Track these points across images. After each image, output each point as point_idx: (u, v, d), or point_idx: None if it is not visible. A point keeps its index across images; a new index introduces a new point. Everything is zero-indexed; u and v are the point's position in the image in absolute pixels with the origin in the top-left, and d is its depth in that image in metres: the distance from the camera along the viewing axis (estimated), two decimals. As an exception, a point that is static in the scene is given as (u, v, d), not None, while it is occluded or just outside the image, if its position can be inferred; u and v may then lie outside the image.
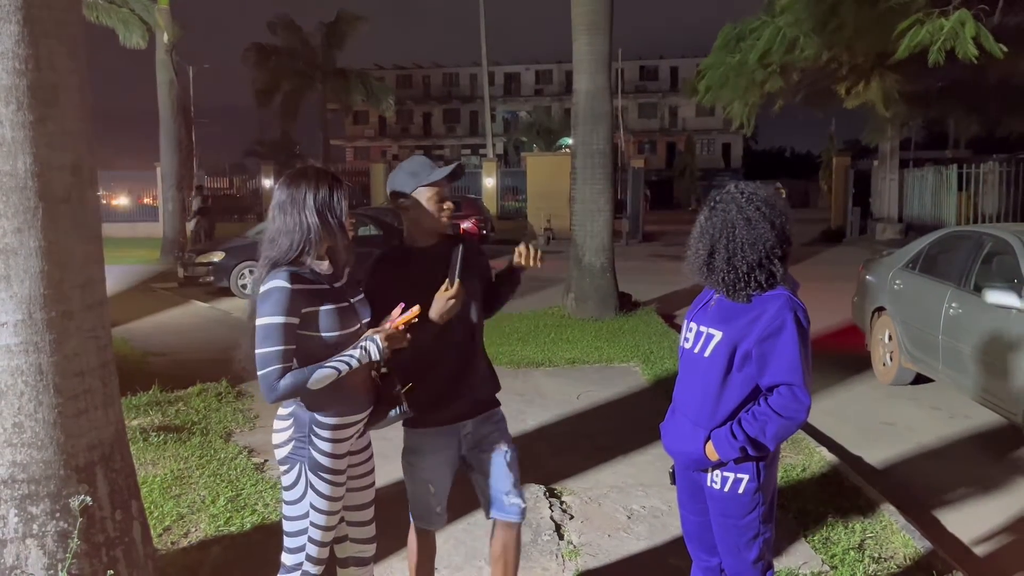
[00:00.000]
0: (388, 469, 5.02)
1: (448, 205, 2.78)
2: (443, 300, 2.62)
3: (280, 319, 2.35)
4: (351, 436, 2.61)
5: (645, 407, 6.22)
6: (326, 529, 2.60)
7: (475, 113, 62.62)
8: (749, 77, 12.90)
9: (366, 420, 2.65)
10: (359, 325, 2.56)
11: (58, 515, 2.66)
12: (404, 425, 2.86)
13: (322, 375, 2.38)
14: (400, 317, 2.51)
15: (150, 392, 6.54)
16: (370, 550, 2.84)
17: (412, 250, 2.83)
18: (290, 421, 2.54)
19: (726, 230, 2.47)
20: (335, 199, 2.50)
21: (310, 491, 2.54)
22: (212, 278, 13.94)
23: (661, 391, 6.62)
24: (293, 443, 2.53)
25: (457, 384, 2.81)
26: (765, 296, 2.46)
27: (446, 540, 3.98)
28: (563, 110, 52.92)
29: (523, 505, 2.96)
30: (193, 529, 4.08)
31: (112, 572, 2.74)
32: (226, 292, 13.74)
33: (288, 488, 2.57)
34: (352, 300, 2.58)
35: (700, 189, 47.04)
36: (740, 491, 2.51)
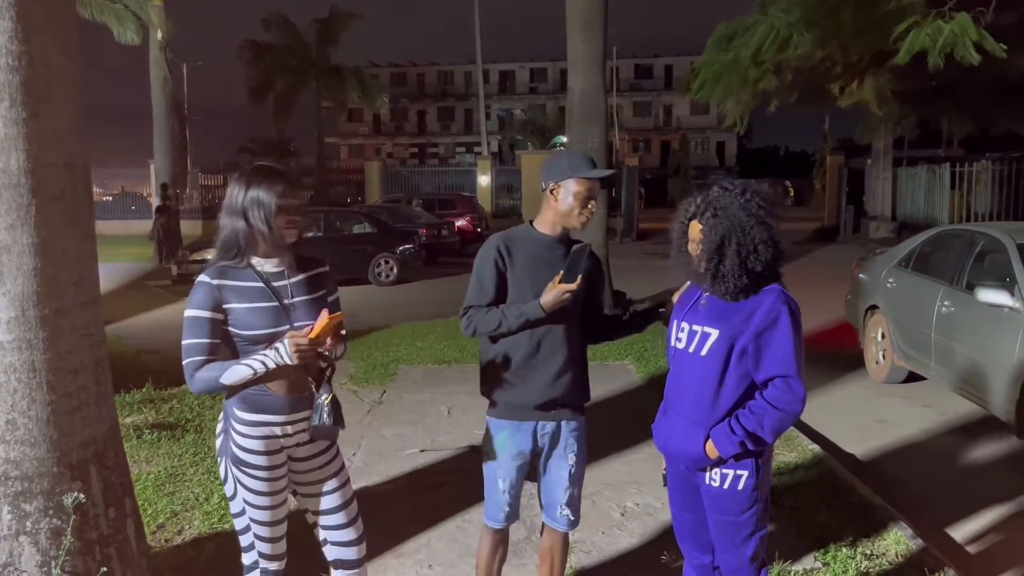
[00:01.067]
0: (382, 466, 5.04)
1: (592, 206, 2.77)
2: (559, 292, 2.61)
3: (200, 313, 2.42)
4: (278, 436, 2.53)
5: (639, 405, 6.23)
6: (266, 524, 2.57)
7: (470, 111, 62.58)
8: (742, 75, 12.89)
9: (308, 428, 2.55)
10: (288, 326, 2.47)
11: (51, 512, 2.65)
12: (487, 415, 2.88)
13: (236, 372, 2.39)
14: (314, 327, 2.39)
15: (143, 389, 6.54)
16: (354, 552, 2.75)
17: (535, 234, 2.83)
18: (224, 413, 2.58)
19: (736, 234, 2.43)
20: (262, 200, 2.43)
21: (238, 486, 2.53)
22: (206, 276, 13.90)
23: (655, 389, 6.63)
24: (223, 436, 2.56)
25: (542, 381, 2.78)
26: (759, 291, 2.48)
27: (440, 538, 3.99)
28: (558, 108, 52.95)
29: (573, 518, 2.98)
30: (187, 527, 4.07)
31: (105, 570, 2.74)
32: (220, 290, 13.70)
33: (224, 482, 2.60)
34: (288, 300, 2.51)
35: (694, 187, 47.15)
36: (739, 488, 2.52)
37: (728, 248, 2.43)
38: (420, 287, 14.73)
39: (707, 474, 2.57)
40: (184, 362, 2.42)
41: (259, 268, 2.50)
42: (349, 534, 2.73)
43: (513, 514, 2.93)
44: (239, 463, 2.51)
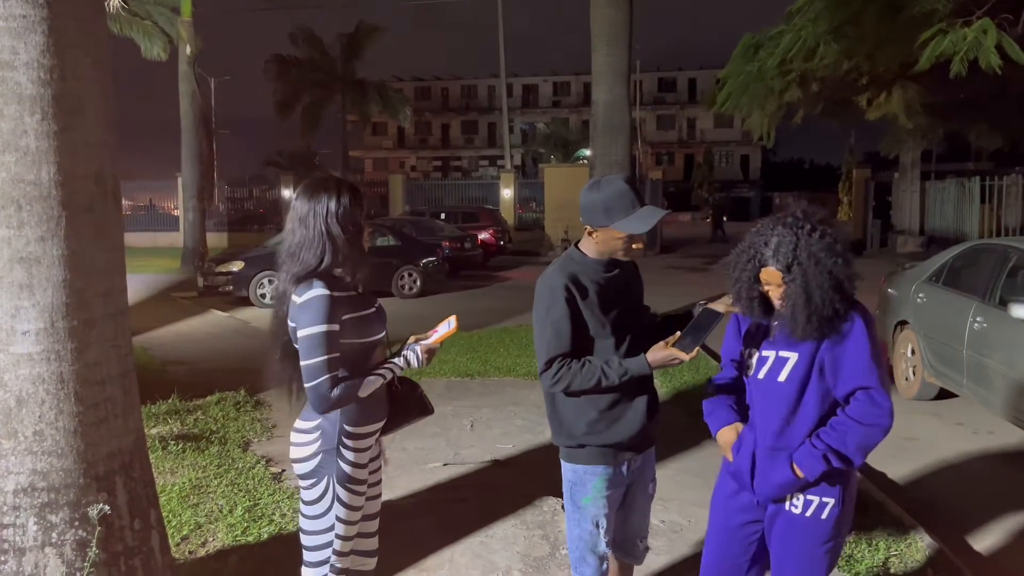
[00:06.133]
0: (405, 480, 5.02)
1: (637, 245, 2.57)
2: (669, 355, 2.46)
3: (323, 327, 2.34)
4: (372, 445, 2.62)
5: (663, 420, 6.16)
6: (347, 539, 2.59)
7: (493, 124, 62.86)
8: (768, 85, 12.84)
9: (383, 427, 2.66)
10: (384, 332, 2.60)
11: (77, 524, 2.65)
12: (569, 461, 2.69)
13: (372, 383, 2.44)
14: (440, 333, 2.56)
15: (169, 401, 6.57)
16: (371, 563, 2.79)
17: (588, 260, 2.62)
18: (316, 434, 2.50)
19: (825, 280, 2.28)
20: (355, 208, 2.49)
21: (336, 504, 2.50)
22: (231, 288, 14.04)
23: (679, 403, 6.56)
24: (320, 456, 2.49)
25: (635, 418, 2.65)
26: None
27: (463, 553, 3.95)
28: (581, 122, 53.03)
29: (649, 548, 2.86)
30: (211, 539, 4.07)
31: (130, 581, 2.74)
32: (245, 302, 13.83)
33: (312, 503, 2.53)
34: (375, 307, 2.60)
35: (717, 200, 46.97)
36: (823, 516, 2.37)
37: (814, 299, 2.27)
38: (443, 300, 14.74)
39: (787, 501, 2.41)
40: (314, 382, 2.32)
41: (352, 278, 2.51)
42: (373, 543, 2.79)
43: (607, 562, 2.74)
44: (348, 480, 2.49)
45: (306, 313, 2.34)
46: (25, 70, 2.50)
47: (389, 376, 2.48)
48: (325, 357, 2.32)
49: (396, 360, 2.50)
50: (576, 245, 2.68)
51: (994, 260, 6.40)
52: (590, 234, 2.59)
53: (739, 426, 2.54)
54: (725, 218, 35.20)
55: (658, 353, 2.48)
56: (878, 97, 15.38)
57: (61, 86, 2.57)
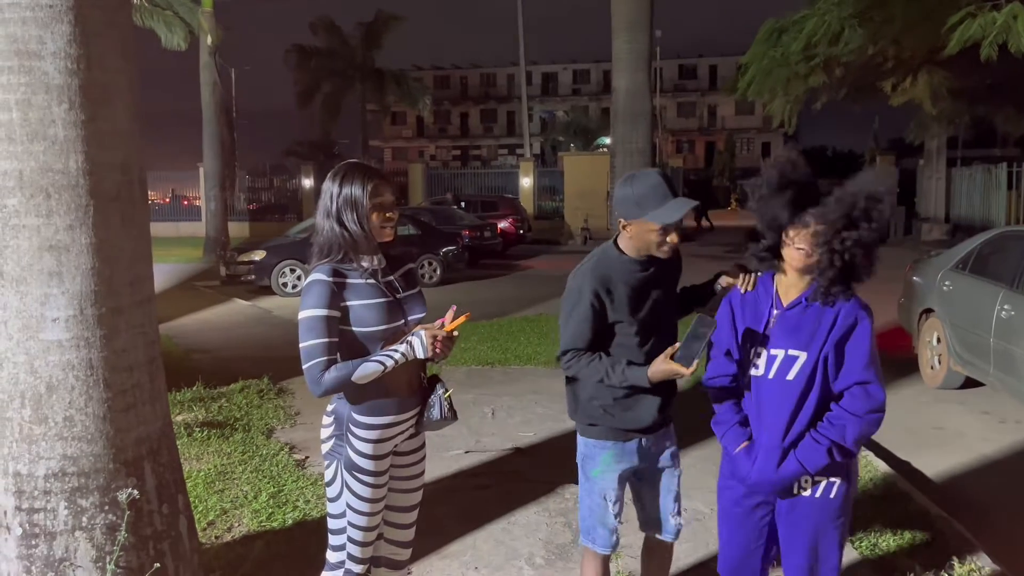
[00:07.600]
0: (428, 468, 5.03)
1: (672, 238, 2.55)
2: (669, 371, 2.46)
3: (321, 312, 2.37)
4: (393, 437, 2.58)
5: (686, 409, 6.14)
6: (365, 529, 2.58)
7: (512, 113, 62.67)
8: (791, 70, 12.70)
9: (415, 422, 2.63)
10: (403, 321, 2.53)
11: (107, 508, 2.69)
12: (583, 435, 2.75)
13: (368, 369, 2.38)
14: (451, 322, 2.49)
15: (194, 388, 6.64)
16: (405, 554, 2.80)
17: (624, 259, 2.62)
18: (332, 418, 2.56)
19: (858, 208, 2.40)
20: (356, 200, 2.43)
21: (345, 490, 2.53)
22: (253, 276, 14.15)
23: (701, 392, 6.52)
24: (333, 440, 2.54)
25: (653, 404, 2.69)
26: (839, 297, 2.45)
27: (486, 540, 3.97)
28: (600, 109, 52.77)
29: (682, 524, 2.89)
30: (236, 524, 4.12)
31: (159, 565, 2.78)
32: (267, 290, 13.93)
33: (328, 484, 2.59)
34: (399, 295, 2.55)
35: (740, 189, 46.52)
36: (832, 495, 2.49)
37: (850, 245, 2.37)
38: (463, 288, 14.76)
39: (795, 486, 2.51)
40: (307, 364, 2.36)
41: (365, 265, 2.48)
42: (407, 535, 2.79)
43: (617, 537, 2.81)
44: (354, 468, 2.51)
45: (304, 298, 2.40)
46: (52, 59, 2.52)
47: (389, 364, 2.39)
48: (318, 341, 2.35)
49: (399, 347, 2.42)
50: (615, 241, 2.67)
51: (1022, 248, 6.30)
52: (624, 228, 2.60)
53: (748, 443, 2.59)
54: (734, 203, 34.78)
55: (658, 367, 2.50)
56: (903, 82, 15.17)
57: (87, 75, 2.59)
